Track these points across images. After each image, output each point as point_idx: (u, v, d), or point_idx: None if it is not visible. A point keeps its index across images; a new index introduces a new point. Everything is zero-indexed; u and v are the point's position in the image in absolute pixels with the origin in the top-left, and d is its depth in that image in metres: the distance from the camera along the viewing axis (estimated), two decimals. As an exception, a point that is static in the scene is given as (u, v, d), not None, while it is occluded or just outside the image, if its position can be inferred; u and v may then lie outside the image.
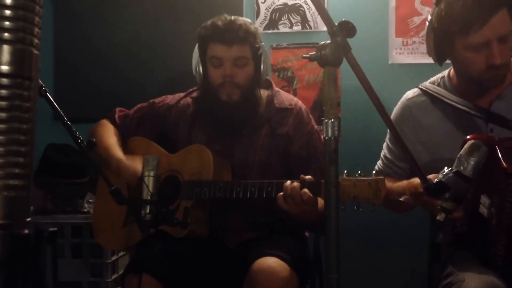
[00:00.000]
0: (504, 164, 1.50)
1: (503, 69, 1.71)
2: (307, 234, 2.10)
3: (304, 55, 1.29)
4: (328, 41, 1.23)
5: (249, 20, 2.02)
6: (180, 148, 2.03)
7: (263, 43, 2.02)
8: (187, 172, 1.94)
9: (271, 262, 1.74)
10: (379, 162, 1.97)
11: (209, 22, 1.99)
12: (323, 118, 1.23)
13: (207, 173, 1.89)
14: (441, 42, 1.74)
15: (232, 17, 1.97)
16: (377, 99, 1.31)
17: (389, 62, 2.74)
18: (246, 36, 1.94)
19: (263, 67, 1.99)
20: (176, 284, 1.79)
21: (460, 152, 1.46)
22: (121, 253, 2.54)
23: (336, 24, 1.24)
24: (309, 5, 2.76)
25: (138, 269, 1.75)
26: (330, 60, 1.23)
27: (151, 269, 1.74)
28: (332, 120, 1.23)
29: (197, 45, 2.02)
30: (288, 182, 1.74)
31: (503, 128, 1.70)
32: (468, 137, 1.54)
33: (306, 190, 1.71)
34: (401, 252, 2.69)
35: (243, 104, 1.97)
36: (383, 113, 1.33)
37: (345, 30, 1.25)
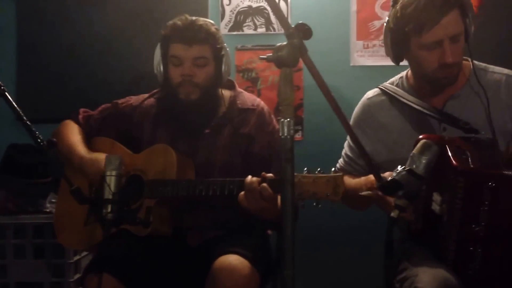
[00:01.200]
0: (454, 162, 1.56)
1: (455, 68, 1.78)
2: (269, 232, 2.14)
3: (261, 57, 1.33)
4: (285, 43, 1.27)
5: (211, 21, 2.05)
6: (144, 148, 2.04)
7: (225, 44, 2.06)
8: (151, 172, 1.95)
9: (232, 259, 1.76)
10: (340, 160, 2.02)
11: (171, 22, 2.02)
12: (279, 118, 1.27)
13: (170, 172, 1.91)
14: (397, 42, 1.80)
15: (194, 18, 2.01)
16: (334, 100, 1.36)
17: (351, 64, 2.80)
18: (207, 37, 1.97)
19: (224, 67, 2.03)
20: (137, 283, 1.80)
21: (413, 151, 1.52)
22: (84, 253, 2.53)
23: (293, 26, 1.28)
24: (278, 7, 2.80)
25: (98, 269, 1.75)
26: (286, 62, 1.26)
27: (111, 269, 1.75)
28: (288, 119, 1.26)
29: (159, 44, 2.05)
30: (249, 178, 1.77)
31: (454, 127, 1.77)
32: (420, 136, 1.59)
33: (265, 185, 1.74)
34: (361, 250, 2.76)
35: (203, 104, 2.00)
36: (339, 113, 1.38)
37: (302, 32, 1.28)
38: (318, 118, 2.80)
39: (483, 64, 1.89)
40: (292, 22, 2.68)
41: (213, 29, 2.01)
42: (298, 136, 2.80)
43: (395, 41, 1.81)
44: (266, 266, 1.91)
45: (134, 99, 2.17)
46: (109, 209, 1.65)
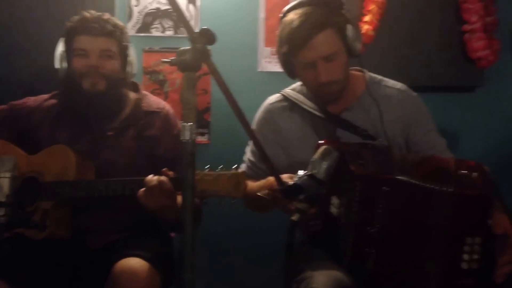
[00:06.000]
0: (351, 167, 1.63)
1: (334, 86, 1.85)
2: (172, 234, 2.13)
3: (163, 60, 1.33)
4: (188, 47, 1.28)
5: (117, 19, 2.03)
6: (42, 149, 1.97)
7: (131, 44, 2.04)
8: (48, 173, 1.89)
9: (133, 263, 1.74)
10: (243, 165, 2.05)
11: (76, 16, 1.99)
12: (181, 121, 1.28)
13: (69, 174, 1.86)
14: (284, 61, 1.89)
15: (100, 13, 1.99)
16: (236, 104, 1.38)
17: (258, 70, 2.84)
18: (114, 30, 1.96)
19: (129, 67, 2.01)
20: (32, 288, 1.74)
21: (314, 157, 1.56)
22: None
23: (197, 31, 1.29)
24: (182, 11, 2.79)
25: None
26: (189, 66, 1.27)
27: (3, 273, 1.68)
28: (190, 123, 1.27)
29: (61, 39, 1.99)
30: (150, 176, 1.76)
31: (352, 133, 1.85)
32: (320, 142, 1.65)
33: (165, 178, 1.73)
34: (264, 253, 2.80)
35: (108, 97, 1.96)
36: (241, 116, 1.40)
37: (205, 37, 1.29)
38: (225, 122, 2.82)
39: (379, 77, 1.99)
40: (201, 26, 2.70)
41: (120, 24, 2.00)
42: (205, 139, 2.81)
43: (281, 60, 1.89)
44: (169, 269, 1.90)
45: (32, 100, 2.09)
46: (2, 213, 1.57)
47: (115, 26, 1.97)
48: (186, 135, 1.26)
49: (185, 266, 1.23)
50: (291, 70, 1.91)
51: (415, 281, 1.63)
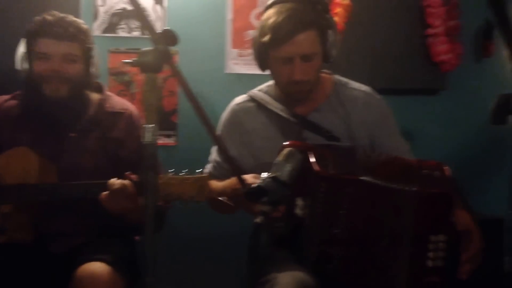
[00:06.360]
0: (315, 168, 1.64)
1: (305, 86, 1.87)
2: (137, 238, 2.10)
3: (124, 61, 1.32)
4: (150, 48, 1.27)
5: (81, 21, 1.99)
6: (3, 151, 1.92)
7: (96, 45, 2.01)
8: (9, 176, 1.85)
9: (95, 267, 1.72)
10: (209, 165, 2.04)
11: (38, 17, 1.94)
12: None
13: (31, 177, 1.83)
14: (260, 51, 1.88)
15: (63, 14, 1.94)
16: (198, 105, 1.37)
17: (225, 72, 2.84)
18: (77, 34, 1.92)
19: (93, 69, 1.98)
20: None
21: (278, 158, 1.57)
22: None
23: (159, 32, 1.28)
24: (149, 12, 2.77)
25: None
26: (151, 67, 1.26)
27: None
28: (152, 125, 1.26)
29: (23, 40, 1.95)
30: (112, 179, 1.74)
31: (317, 135, 1.86)
32: (284, 143, 1.66)
33: (127, 182, 1.72)
34: (229, 256, 2.79)
35: (70, 103, 1.93)
36: (204, 117, 1.39)
37: (167, 38, 1.29)
38: (193, 124, 2.79)
39: (345, 80, 2.01)
40: (168, 28, 2.69)
41: (84, 27, 1.96)
42: (172, 141, 2.79)
43: (258, 50, 1.88)
44: (133, 273, 1.88)
45: None
46: (-41, 216, 1.54)
47: (79, 29, 1.93)
48: (148, 137, 1.25)
49: (147, 269, 1.22)
50: (264, 61, 1.90)
51: (381, 281, 1.65)
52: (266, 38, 1.81)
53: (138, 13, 1.28)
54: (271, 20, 1.81)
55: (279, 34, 1.79)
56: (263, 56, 1.88)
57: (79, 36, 1.92)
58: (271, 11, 1.84)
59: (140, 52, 1.26)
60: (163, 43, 1.27)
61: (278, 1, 1.86)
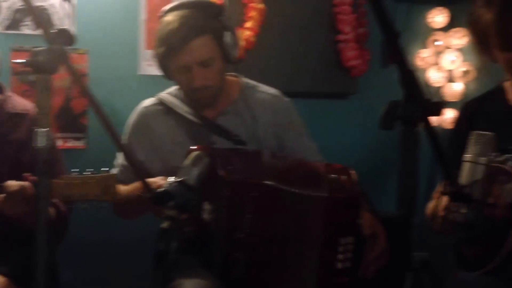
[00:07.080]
0: (221, 172, 1.63)
1: (208, 91, 1.86)
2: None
3: (15, 61, 1.25)
4: (43, 47, 1.21)
5: None
6: None
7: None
8: None
9: (-10, 279, 1.63)
10: (115, 169, 1.99)
11: None
12: (33, 128, 1.21)
13: None
14: (160, 62, 1.86)
15: None
16: (98, 108, 1.33)
17: (138, 73, 2.78)
18: None
19: None
20: None
21: (185, 162, 1.55)
22: None
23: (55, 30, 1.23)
24: (56, 9, 2.66)
25: None
26: (44, 68, 1.21)
27: None
28: (46, 129, 1.21)
29: None
30: (10, 181, 1.66)
31: (225, 139, 1.86)
32: (192, 148, 1.64)
33: (25, 183, 1.65)
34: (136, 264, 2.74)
35: None
36: (104, 120, 1.35)
37: (63, 37, 1.24)
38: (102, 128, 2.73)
39: (253, 83, 2.02)
40: (78, 27, 2.60)
41: None
42: (81, 144, 2.69)
43: (157, 61, 1.87)
44: (31, 281, 1.79)
45: None
46: None
47: None
48: (41, 142, 1.19)
49: (37, 278, 1.16)
50: (167, 71, 1.89)
51: (291, 284, 1.67)
52: (162, 50, 1.80)
53: (30, 9, 1.22)
54: (164, 30, 1.80)
55: (173, 43, 1.78)
56: (164, 67, 1.87)
57: None
58: (163, 21, 1.83)
59: (33, 52, 1.21)
60: (58, 42, 1.22)
61: (169, 9, 1.85)
